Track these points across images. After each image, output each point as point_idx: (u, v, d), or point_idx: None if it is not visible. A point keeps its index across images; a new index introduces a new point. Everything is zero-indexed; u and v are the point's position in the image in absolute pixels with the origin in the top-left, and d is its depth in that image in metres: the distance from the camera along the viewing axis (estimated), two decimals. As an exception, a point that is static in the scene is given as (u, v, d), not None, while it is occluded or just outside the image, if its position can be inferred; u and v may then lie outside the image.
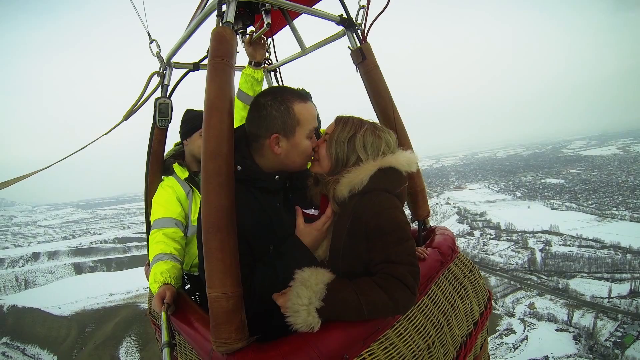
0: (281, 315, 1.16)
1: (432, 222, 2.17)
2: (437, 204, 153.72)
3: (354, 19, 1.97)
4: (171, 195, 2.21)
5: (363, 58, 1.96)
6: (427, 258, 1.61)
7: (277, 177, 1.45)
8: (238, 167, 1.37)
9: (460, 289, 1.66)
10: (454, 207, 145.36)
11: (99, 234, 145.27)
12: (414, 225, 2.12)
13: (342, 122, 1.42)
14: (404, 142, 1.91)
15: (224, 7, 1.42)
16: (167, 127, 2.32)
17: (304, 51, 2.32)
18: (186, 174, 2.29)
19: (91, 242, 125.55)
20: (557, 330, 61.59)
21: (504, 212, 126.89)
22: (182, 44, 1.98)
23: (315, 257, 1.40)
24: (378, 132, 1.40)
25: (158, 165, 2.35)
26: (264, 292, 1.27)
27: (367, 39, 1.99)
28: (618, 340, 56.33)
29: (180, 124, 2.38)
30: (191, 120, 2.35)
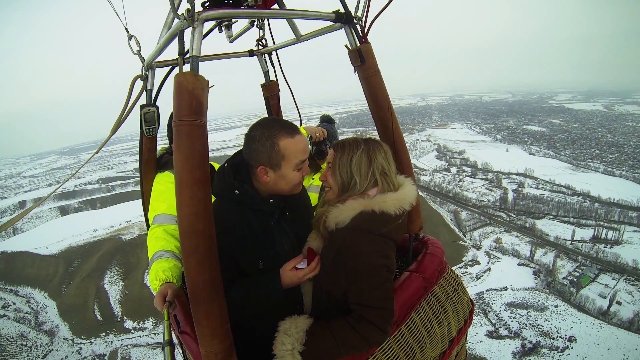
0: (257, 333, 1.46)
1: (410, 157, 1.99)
2: (417, 140, 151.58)
3: (352, 13, 1.69)
4: (173, 192, 1.93)
5: (362, 61, 1.72)
6: (411, 285, 1.64)
7: (271, 200, 1.61)
8: (236, 191, 1.53)
9: (440, 313, 1.68)
10: (434, 143, 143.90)
11: (83, 177, 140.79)
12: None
13: (340, 147, 1.51)
14: (401, 155, 1.81)
15: (187, 36, 1.18)
16: (156, 134, 2.20)
17: (299, 38, 2.10)
18: None
19: (75, 185, 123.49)
20: (519, 264, 63.41)
21: (482, 152, 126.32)
22: (160, 51, 1.70)
23: (284, 298, 1.52)
24: (371, 155, 1.46)
25: (152, 175, 2.28)
26: (235, 308, 1.40)
27: (368, 37, 1.71)
28: (575, 280, 57.99)
29: (167, 128, 2.29)
30: None
